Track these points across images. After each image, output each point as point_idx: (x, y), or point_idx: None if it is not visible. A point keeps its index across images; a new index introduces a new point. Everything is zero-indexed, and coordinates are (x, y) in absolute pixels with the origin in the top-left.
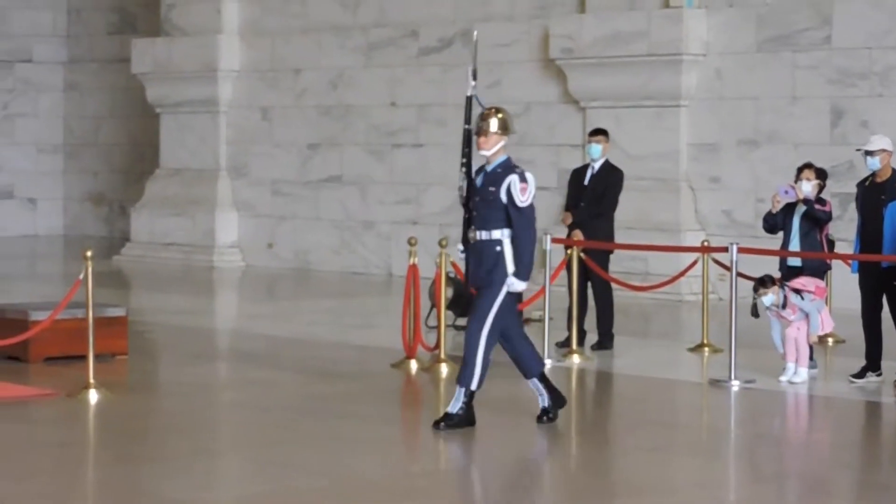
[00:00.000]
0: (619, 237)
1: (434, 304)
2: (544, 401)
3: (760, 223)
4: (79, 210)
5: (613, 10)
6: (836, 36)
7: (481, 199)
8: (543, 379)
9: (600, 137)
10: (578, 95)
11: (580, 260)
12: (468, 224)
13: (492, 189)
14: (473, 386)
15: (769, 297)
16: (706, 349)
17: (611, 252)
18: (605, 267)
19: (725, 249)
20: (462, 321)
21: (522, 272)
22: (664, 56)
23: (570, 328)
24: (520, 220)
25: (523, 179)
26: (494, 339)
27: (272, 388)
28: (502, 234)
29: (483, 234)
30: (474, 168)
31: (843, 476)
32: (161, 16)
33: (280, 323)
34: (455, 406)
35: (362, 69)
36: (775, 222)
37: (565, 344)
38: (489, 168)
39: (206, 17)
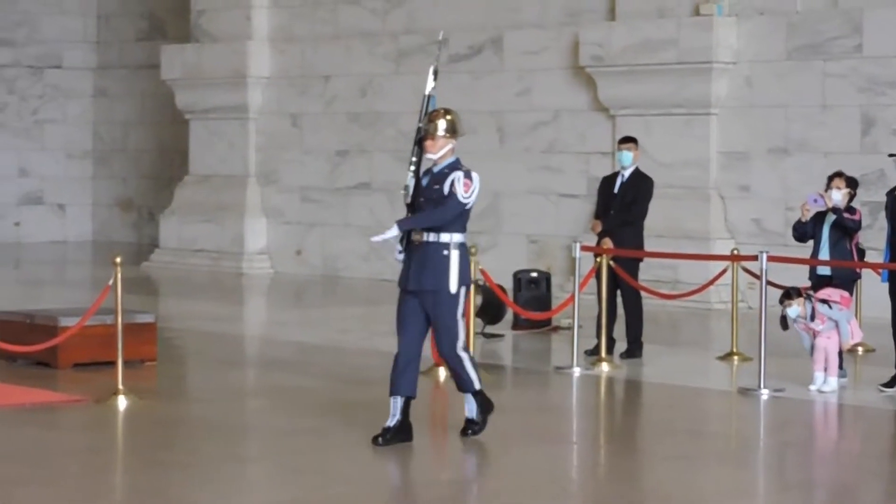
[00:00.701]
0: (649, 245)
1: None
2: (393, 421)
3: (790, 232)
4: (107, 216)
5: (643, 17)
6: (866, 44)
7: (427, 200)
8: (407, 405)
9: (631, 145)
10: (608, 103)
11: (609, 268)
12: None
13: (436, 188)
14: (477, 386)
15: (794, 309)
16: (735, 358)
17: (640, 260)
18: (634, 275)
19: (755, 258)
20: (491, 328)
21: (404, 222)
22: (694, 64)
23: (599, 336)
24: (447, 207)
25: (468, 177)
26: (467, 346)
27: (300, 395)
28: (451, 238)
29: (430, 237)
30: (422, 170)
31: (871, 486)
32: (191, 22)
33: (308, 329)
34: (472, 411)
35: (392, 76)
36: (805, 231)
37: (594, 352)
38: (435, 169)
39: (235, 24)
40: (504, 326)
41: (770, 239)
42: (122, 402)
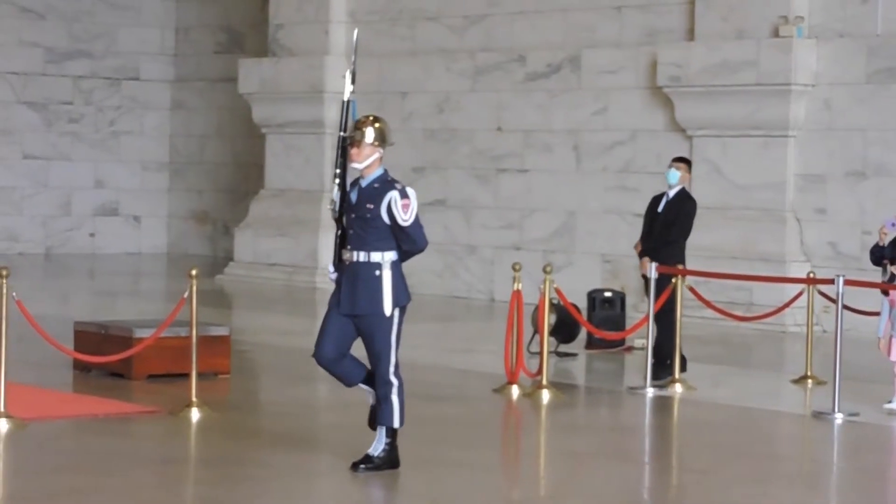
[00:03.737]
0: (724, 267)
1: (536, 330)
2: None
3: (866, 255)
4: (182, 228)
5: (722, 38)
6: None
7: (357, 217)
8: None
9: (681, 164)
10: (685, 124)
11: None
12: (342, 243)
13: (369, 206)
14: (395, 423)
15: None
16: (809, 381)
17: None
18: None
19: (831, 281)
20: (564, 347)
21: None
22: (773, 86)
23: (672, 356)
24: (406, 241)
25: (404, 195)
26: (400, 370)
27: None
28: (382, 258)
29: (360, 256)
30: (349, 181)
31: None
32: (268, 36)
33: None
34: (377, 448)
35: (469, 93)
36: (882, 255)
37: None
38: (364, 183)
39: (313, 39)
40: (578, 346)
41: (846, 263)
42: (195, 414)
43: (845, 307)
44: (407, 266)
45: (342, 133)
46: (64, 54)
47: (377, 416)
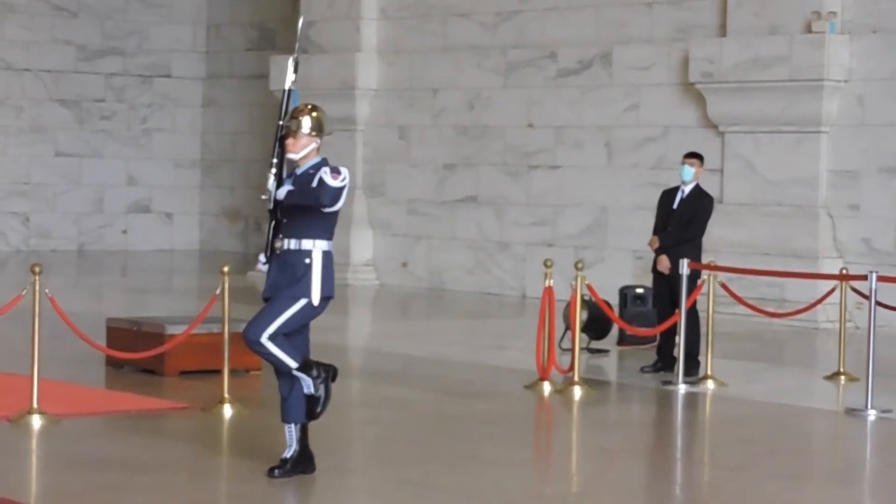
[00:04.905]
0: (756, 263)
1: (568, 327)
2: (290, 452)
3: None
4: (214, 225)
5: (755, 34)
6: None
7: (291, 205)
8: (303, 430)
9: (694, 161)
10: (717, 120)
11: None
12: (275, 232)
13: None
14: (294, 364)
15: None
16: (842, 377)
17: (698, 276)
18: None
19: (865, 278)
20: (596, 344)
21: (288, 191)
22: (805, 81)
23: (704, 354)
24: (320, 194)
25: (336, 171)
26: (277, 342)
27: (405, 407)
28: (313, 245)
29: (291, 244)
30: (286, 173)
31: None
32: (300, 33)
33: (414, 342)
34: (308, 387)
35: (500, 90)
36: None
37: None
38: (299, 171)
39: (344, 36)
40: (609, 342)
41: (879, 259)
42: (227, 411)
43: (878, 303)
44: (439, 263)
45: (281, 122)
46: (96, 52)
47: (276, 371)
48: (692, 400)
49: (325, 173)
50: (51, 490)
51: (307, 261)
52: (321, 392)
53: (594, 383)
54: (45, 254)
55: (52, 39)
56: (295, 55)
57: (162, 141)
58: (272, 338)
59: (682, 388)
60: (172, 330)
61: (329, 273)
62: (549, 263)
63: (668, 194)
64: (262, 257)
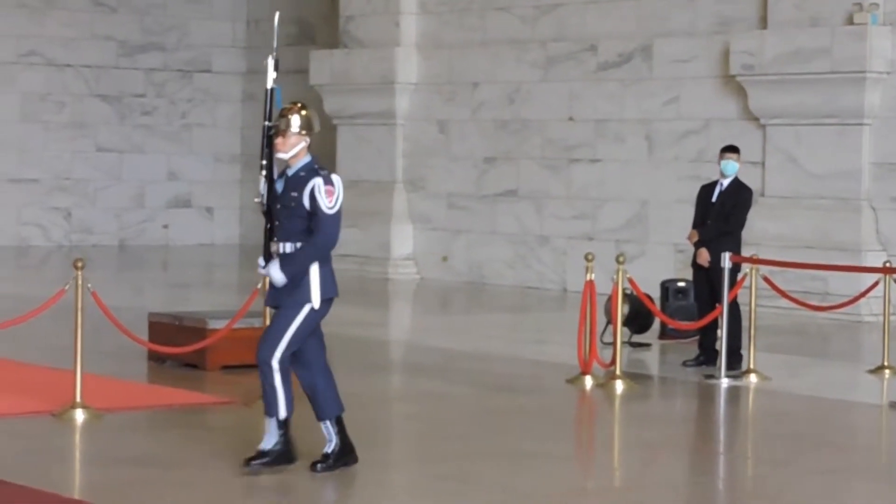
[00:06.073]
0: (799, 256)
1: (610, 321)
2: (331, 447)
3: None
4: (255, 219)
5: (796, 26)
6: None
7: (283, 208)
8: (339, 423)
9: (736, 155)
10: (759, 112)
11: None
12: (271, 235)
13: (294, 195)
14: (283, 413)
15: None
16: (886, 371)
17: (739, 270)
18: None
19: None
20: (638, 337)
21: (288, 265)
22: (847, 73)
23: (746, 348)
24: (321, 230)
25: (328, 182)
26: (287, 362)
27: (446, 402)
28: None
29: (287, 247)
30: (276, 172)
31: None
32: (339, 28)
33: (454, 336)
34: (270, 441)
35: (540, 83)
36: None
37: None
38: (290, 172)
39: (384, 30)
40: (651, 336)
41: None
42: None
43: None
44: (479, 257)
45: (266, 122)
46: (136, 47)
47: (265, 407)
48: (735, 394)
49: (317, 189)
50: (94, 484)
51: None
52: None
53: (636, 377)
54: (87, 249)
55: (92, 35)
56: (274, 54)
57: (202, 136)
58: (281, 362)
59: (724, 382)
60: (214, 324)
61: (328, 274)
62: (590, 257)
63: (707, 188)
64: (260, 261)
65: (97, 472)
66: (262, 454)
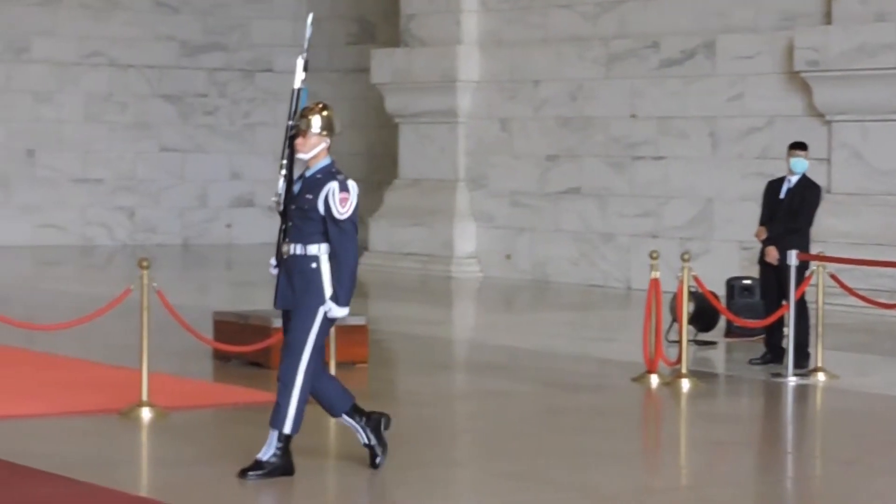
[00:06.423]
0: (867, 253)
1: (675, 319)
2: (364, 437)
3: None
4: None
5: (861, 21)
6: None
7: (298, 209)
8: (355, 411)
9: (805, 152)
10: (824, 109)
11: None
12: (284, 236)
13: (308, 197)
14: (287, 429)
15: None
16: None
17: (807, 267)
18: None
19: None
20: (703, 336)
21: (343, 296)
22: None
23: (814, 346)
24: (339, 236)
25: (344, 188)
26: (311, 375)
27: (511, 400)
28: (319, 250)
29: (297, 249)
30: (296, 173)
31: None
32: (400, 26)
33: (518, 334)
34: (267, 452)
35: (602, 80)
36: None
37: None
38: (308, 173)
39: (445, 28)
40: (717, 334)
41: None
42: None
43: None
44: (543, 255)
45: (290, 122)
46: (198, 47)
47: (271, 416)
48: (802, 392)
49: (332, 194)
50: (161, 483)
51: (313, 265)
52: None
53: (702, 375)
54: (151, 248)
55: (154, 35)
56: (304, 54)
57: (264, 135)
58: (304, 377)
59: (791, 381)
60: (279, 323)
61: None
62: (654, 255)
63: (774, 185)
64: (272, 261)
65: (164, 470)
66: (258, 465)
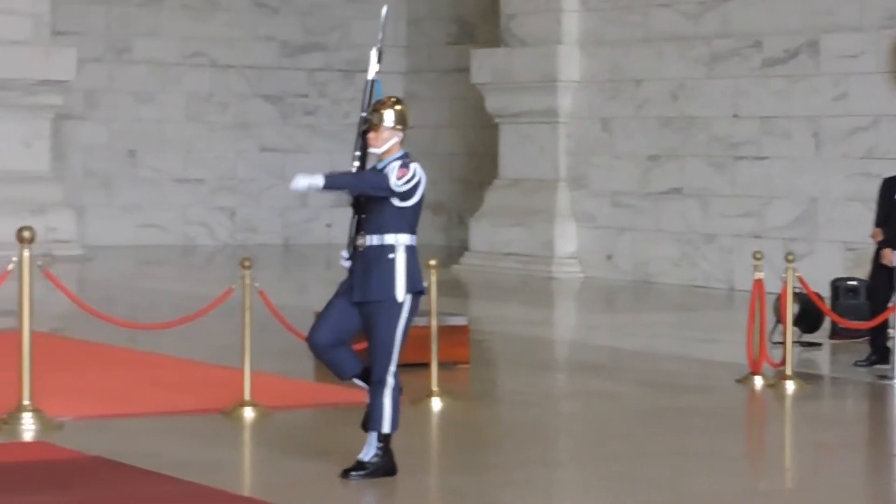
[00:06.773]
0: None
1: (779, 320)
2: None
3: None
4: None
5: None
6: None
7: (370, 200)
8: (364, 377)
9: None
10: None
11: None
12: (358, 228)
13: None
14: (386, 428)
15: None
16: None
17: None
18: None
19: None
20: (808, 337)
21: (331, 180)
22: None
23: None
24: (372, 179)
25: (404, 166)
26: (398, 372)
27: (613, 400)
28: (396, 240)
29: (374, 240)
30: (368, 166)
31: None
32: (500, 26)
33: (620, 335)
34: (368, 453)
35: (704, 80)
36: None
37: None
38: (380, 166)
39: (545, 28)
40: (821, 335)
41: None
42: (436, 404)
43: None
44: (644, 255)
45: (363, 114)
46: (298, 48)
47: (367, 419)
48: (889, 393)
49: (391, 170)
50: (264, 482)
51: (391, 256)
52: (374, 460)
53: (807, 377)
54: (253, 248)
55: (254, 36)
56: (378, 45)
57: None
58: (395, 376)
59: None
60: None
61: (413, 268)
62: (758, 256)
63: (890, 183)
64: (344, 253)
65: (267, 469)
66: (360, 465)
